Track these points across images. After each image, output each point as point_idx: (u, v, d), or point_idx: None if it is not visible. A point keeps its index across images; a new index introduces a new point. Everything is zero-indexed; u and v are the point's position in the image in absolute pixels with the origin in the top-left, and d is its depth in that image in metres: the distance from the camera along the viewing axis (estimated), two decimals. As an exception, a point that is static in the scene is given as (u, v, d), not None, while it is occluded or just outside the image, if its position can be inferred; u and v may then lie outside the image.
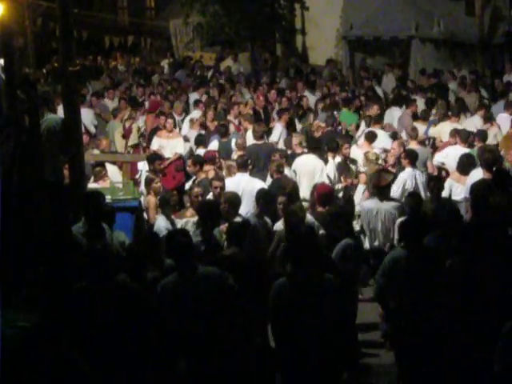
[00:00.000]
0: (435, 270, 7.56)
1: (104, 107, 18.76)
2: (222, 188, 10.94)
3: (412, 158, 12.19)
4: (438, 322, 7.36)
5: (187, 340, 7.07)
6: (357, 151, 13.85)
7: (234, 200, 10.23)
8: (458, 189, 11.75)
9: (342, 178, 12.90)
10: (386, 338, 8.97)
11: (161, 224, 10.24)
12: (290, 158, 13.10)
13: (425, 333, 7.44)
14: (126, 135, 16.59)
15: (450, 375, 7.37)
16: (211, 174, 12.18)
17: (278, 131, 15.60)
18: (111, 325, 6.87)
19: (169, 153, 14.90)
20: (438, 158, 13.62)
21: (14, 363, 5.89)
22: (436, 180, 11.33)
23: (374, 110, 16.35)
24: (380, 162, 13.03)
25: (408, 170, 12.04)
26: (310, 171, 12.60)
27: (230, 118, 16.89)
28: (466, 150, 12.91)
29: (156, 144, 15.21)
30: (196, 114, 17.25)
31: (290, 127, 16.21)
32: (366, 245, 10.68)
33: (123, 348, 6.86)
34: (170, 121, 15.49)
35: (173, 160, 14.72)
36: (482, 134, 13.69)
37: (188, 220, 10.53)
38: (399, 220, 9.87)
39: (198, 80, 22.82)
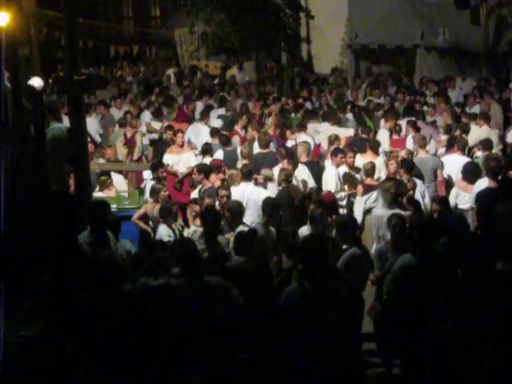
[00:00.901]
0: (445, 277, 7.52)
1: (111, 118, 18.75)
2: (229, 197, 10.93)
3: (407, 166, 12.17)
4: (447, 330, 7.33)
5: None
6: (361, 160, 13.81)
7: (237, 209, 10.23)
8: (464, 198, 11.71)
9: (346, 187, 12.87)
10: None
11: (162, 232, 10.25)
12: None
13: (433, 340, 7.41)
14: (127, 144, 16.54)
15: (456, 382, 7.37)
16: (218, 183, 12.13)
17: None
18: (117, 334, 6.86)
19: (183, 167, 14.40)
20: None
21: (14, 371, 5.90)
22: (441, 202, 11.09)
23: (391, 122, 16.25)
24: (381, 173, 13.02)
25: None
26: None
27: (237, 128, 16.76)
28: (464, 159, 12.92)
29: (168, 161, 14.47)
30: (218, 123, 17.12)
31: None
32: (373, 252, 10.68)
33: (128, 357, 6.85)
34: (179, 135, 14.98)
35: (186, 174, 14.19)
36: (486, 143, 13.66)
37: (196, 229, 10.52)
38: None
39: (201, 89, 22.90)
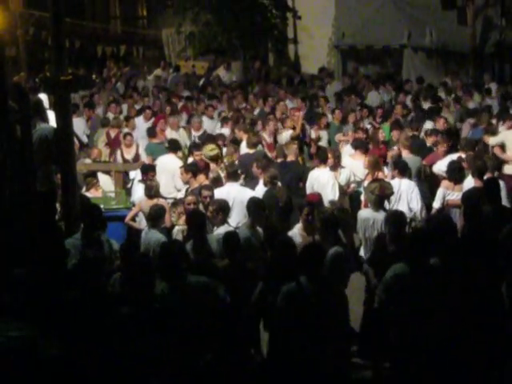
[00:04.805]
0: (438, 287, 7.46)
1: (98, 119, 18.70)
2: (212, 197, 10.87)
3: (400, 167, 12.16)
4: (439, 339, 7.31)
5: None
6: (349, 161, 13.84)
7: (223, 206, 10.17)
8: (453, 196, 11.76)
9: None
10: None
11: (157, 236, 10.16)
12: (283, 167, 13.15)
13: (425, 349, 7.38)
14: (110, 144, 16.41)
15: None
16: (206, 183, 12.04)
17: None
18: (104, 335, 6.85)
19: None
20: (441, 166, 13.23)
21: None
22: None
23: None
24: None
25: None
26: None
27: (265, 134, 16.00)
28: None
29: None
30: (225, 131, 16.81)
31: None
32: (361, 253, 10.71)
33: (116, 359, 6.84)
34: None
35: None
36: (470, 142, 13.74)
37: (179, 229, 10.50)
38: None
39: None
